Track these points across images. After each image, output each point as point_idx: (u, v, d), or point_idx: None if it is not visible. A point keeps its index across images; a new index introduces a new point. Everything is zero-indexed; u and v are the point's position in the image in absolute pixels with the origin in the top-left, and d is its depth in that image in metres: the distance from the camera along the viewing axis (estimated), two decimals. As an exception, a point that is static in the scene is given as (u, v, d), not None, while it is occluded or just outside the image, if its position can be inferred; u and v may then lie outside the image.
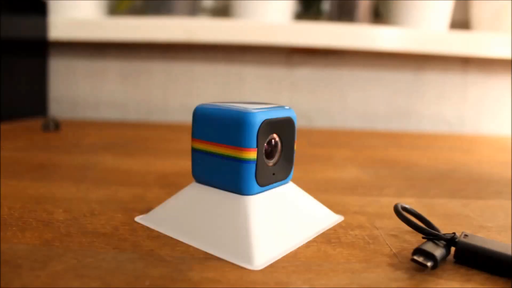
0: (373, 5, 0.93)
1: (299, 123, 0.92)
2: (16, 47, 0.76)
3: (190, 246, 0.24)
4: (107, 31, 0.83)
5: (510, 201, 0.36)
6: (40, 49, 0.85)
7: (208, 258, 0.22)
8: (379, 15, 0.95)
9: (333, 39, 0.82)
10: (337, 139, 0.71)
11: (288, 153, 0.27)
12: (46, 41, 0.84)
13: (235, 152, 0.24)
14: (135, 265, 0.21)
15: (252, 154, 0.24)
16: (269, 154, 0.26)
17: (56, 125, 0.68)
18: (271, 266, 0.22)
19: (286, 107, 0.27)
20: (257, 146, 0.24)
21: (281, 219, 0.25)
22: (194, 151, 0.26)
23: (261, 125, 0.24)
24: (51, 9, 0.84)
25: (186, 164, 0.47)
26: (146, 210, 0.30)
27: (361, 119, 0.92)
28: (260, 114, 0.24)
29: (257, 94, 0.91)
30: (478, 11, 0.88)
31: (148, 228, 0.26)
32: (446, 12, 0.84)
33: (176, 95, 0.92)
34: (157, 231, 0.26)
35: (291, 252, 0.24)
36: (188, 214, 0.26)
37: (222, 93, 0.91)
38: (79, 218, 0.28)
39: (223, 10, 0.94)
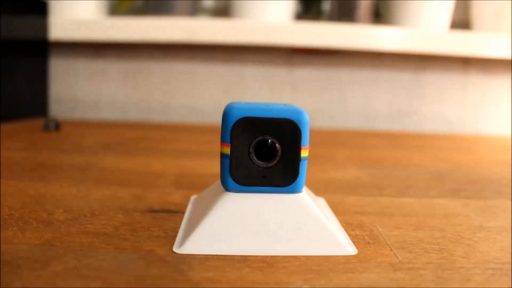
0: (374, 5, 0.93)
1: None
2: (17, 48, 0.76)
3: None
4: (107, 31, 0.83)
5: (510, 201, 0.36)
6: (40, 49, 0.85)
7: (208, 258, 0.23)
8: (379, 15, 0.95)
9: (334, 39, 0.82)
10: (338, 139, 0.71)
11: (290, 158, 0.24)
12: (47, 41, 0.84)
13: (220, 147, 0.25)
14: (135, 265, 0.21)
15: (225, 149, 0.24)
16: (263, 156, 0.24)
17: (57, 125, 0.68)
18: (272, 266, 0.22)
19: (295, 110, 0.24)
20: (231, 142, 0.24)
21: (252, 224, 0.24)
22: (221, 155, 0.25)
23: (237, 121, 0.23)
24: (51, 10, 0.84)
25: (186, 164, 0.47)
26: (147, 210, 0.30)
27: (362, 119, 0.92)
28: (238, 111, 0.24)
29: (257, 94, 0.91)
30: (478, 11, 0.88)
31: (148, 228, 0.26)
32: (446, 12, 0.84)
33: (176, 95, 0.92)
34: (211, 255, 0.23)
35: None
36: (241, 227, 0.24)
37: (222, 93, 0.91)
38: (79, 218, 0.28)
39: (223, 10, 0.94)
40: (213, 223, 0.24)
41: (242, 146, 0.24)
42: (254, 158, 0.24)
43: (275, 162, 0.25)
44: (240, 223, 0.24)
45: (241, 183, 0.24)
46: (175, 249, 0.24)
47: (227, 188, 0.25)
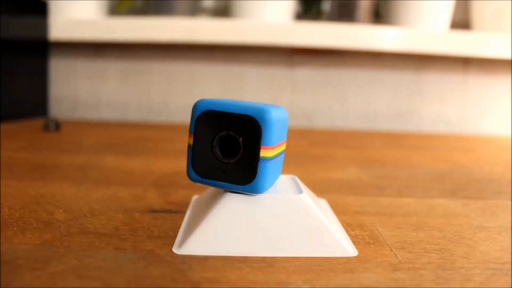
0: (374, 6, 0.93)
1: (299, 123, 0.92)
2: (17, 48, 0.76)
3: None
4: (108, 31, 0.83)
5: (510, 201, 0.36)
6: (40, 49, 0.85)
7: (208, 258, 0.23)
8: (379, 16, 0.95)
9: (334, 39, 0.82)
10: (338, 139, 0.71)
11: (248, 156, 0.24)
12: (47, 41, 0.84)
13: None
14: (135, 265, 0.21)
15: (190, 140, 0.25)
16: (227, 151, 0.24)
17: (57, 125, 0.68)
18: (272, 266, 0.22)
19: (261, 108, 0.23)
20: (194, 133, 0.24)
21: (252, 225, 0.24)
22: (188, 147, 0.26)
23: (200, 113, 0.24)
24: (51, 10, 0.84)
25: (185, 164, 0.47)
26: (147, 210, 0.30)
27: (362, 119, 0.92)
28: (203, 103, 0.24)
29: (257, 94, 0.91)
30: (478, 11, 0.88)
31: (148, 228, 0.26)
32: (446, 12, 0.84)
33: (176, 95, 0.92)
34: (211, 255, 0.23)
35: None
36: (242, 228, 0.24)
37: (222, 93, 0.91)
38: (79, 218, 0.28)
39: (223, 10, 0.94)
40: (213, 224, 0.24)
41: (205, 139, 0.24)
42: (217, 152, 0.24)
43: (236, 158, 0.24)
44: (240, 224, 0.24)
45: (201, 175, 0.25)
46: (174, 249, 0.23)
47: (189, 177, 0.25)
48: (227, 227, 0.24)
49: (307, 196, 0.25)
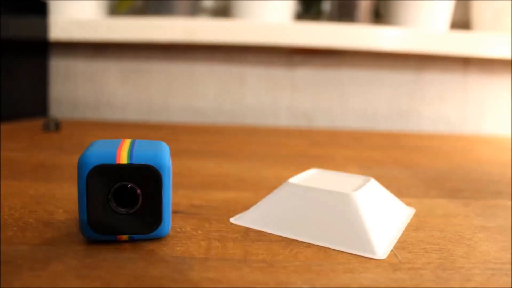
0: (374, 6, 0.93)
1: (299, 123, 0.92)
2: (17, 48, 0.76)
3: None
4: (108, 32, 0.83)
5: (510, 201, 0.36)
6: (40, 49, 0.85)
7: (208, 258, 0.23)
8: (379, 16, 0.95)
9: (334, 39, 0.82)
10: (338, 139, 0.71)
11: (151, 204, 0.24)
12: (47, 41, 0.85)
13: None
14: (135, 265, 0.21)
15: (81, 198, 0.23)
16: (123, 202, 0.24)
17: (57, 125, 0.68)
18: (272, 266, 0.22)
19: (155, 154, 0.23)
20: (86, 190, 0.23)
21: (378, 214, 0.27)
22: None
23: (92, 169, 0.23)
24: (51, 10, 0.84)
25: (186, 164, 0.47)
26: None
27: (362, 119, 0.92)
28: (90, 158, 0.23)
29: (257, 95, 0.91)
30: (478, 11, 0.88)
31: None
32: (446, 12, 0.84)
33: (176, 96, 0.92)
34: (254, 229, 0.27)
35: (293, 252, 0.24)
36: (289, 212, 0.27)
37: (222, 93, 0.91)
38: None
39: (223, 10, 0.94)
40: (267, 205, 0.28)
41: (98, 194, 0.23)
42: (114, 204, 0.23)
43: (136, 208, 0.24)
44: (290, 209, 0.27)
45: (100, 232, 0.23)
46: (231, 220, 0.28)
47: (85, 236, 0.24)
48: (278, 209, 0.27)
49: (356, 196, 0.26)
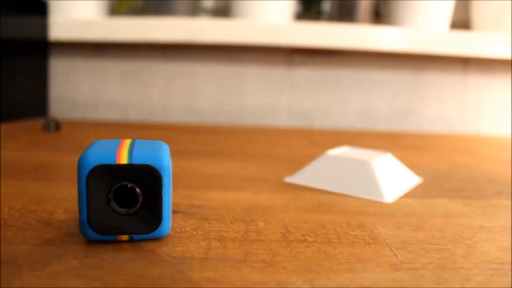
0: (374, 6, 0.93)
1: (299, 123, 0.92)
2: (17, 48, 0.76)
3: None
4: (108, 31, 0.83)
5: (510, 201, 0.36)
6: (40, 49, 0.85)
7: (208, 258, 0.23)
8: (379, 16, 0.95)
9: (334, 40, 0.82)
10: (338, 139, 0.71)
11: (150, 205, 0.24)
12: (47, 41, 0.84)
13: None
14: (135, 265, 0.21)
15: (82, 197, 0.23)
16: (123, 202, 0.24)
17: (57, 125, 0.68)
18: (272, 266, 0.22)
19: (156, 155, 0.23)
20: (87, 190, 0.23)
21: (333, 173, 0.39)
22: None
23: (92, 169, 0.22)
24: (51, 10, 0.84)
25: (186, 164, 0.47)
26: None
27: (361, 119, 0.92)
28: (90, 158, 0.22)
29: (257, 95, 0.91)
30: (478, 11, 0.88)
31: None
32: (446, 12, 0.84)
33: (176, 96, 0.92)
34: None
35: (292, 252, 0.24)
36: (328, 173, 0.39)
37: (222, 94, 0.91)
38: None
39: (223, 10, 0.94)
40: (312, 169, 0.40)
41: (100, 194, 0.23)
42: (114, 204, 0.23)
43: (136, 208, 0.24)
44: (328, 171, 0.39)
45: (100, 232, 0.23)
46: (286, 179, 0.40)
47: (85, 236, 0.23)
48: (318, 171, 0.40)
49: (373, 164, 0.38)
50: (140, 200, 0.24)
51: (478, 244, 0.26)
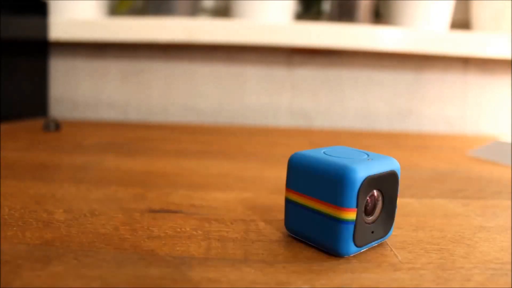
0: (374, 6, 0.93)
1: (299, 123, 0.92)
2: (17, 48, 0.76)
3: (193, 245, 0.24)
4: (108, 31, 0.83)
5: (510, 201, 0.36)
6: (40, 49, 0.85)
7: (208, 258, 0.23)
8: (379, 16, 0.95)
9: (334, 40, 0.82)
10: (338, 139, 0.71)
11: (389, 209, 0.24)
12: (47, 41, 0.84)
13: (332, 211, 0.22)
14: (135, 265, 0.21)
15: (351, 215, 0.22)
16: (369, 211, 0.23)
17: (57, 126, 0.68)
18: (271, 266, 0.22)
19: (389, 158, 0.24)
20: (357, 206, 0.22)
21: None
22: (289, 202, 0.25)
23: (362, 182, 0.22)
24: (51, 10, 0.84)
25: (185, 164, 0.47)
26: (147, 210, 0.30)
27: (361, 119, 0.92)
28: (361, 170, 0.22)
29: (257, 95, 0.91)
30: (478, 11, 0.88)
31: (148, 228, 0.27)
32: (446, 12, 0.84)
33: (176, 96, 0.92)
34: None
35: (292, 252, 0.24)
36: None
37: (222, 94, 0.91)
38: (79, 218, 0.28)
39: (223, 10, 0.94)
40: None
41: (362, 207, 0.22)
42: (364, 215, 0.23)
43: (377, 215, 0.24)
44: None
45: (359, 245, 0.23)
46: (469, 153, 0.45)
47: (344, 253, 0.23)
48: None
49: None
50: (380, 206, 0.24)
51: (478, 244, 0.26)
